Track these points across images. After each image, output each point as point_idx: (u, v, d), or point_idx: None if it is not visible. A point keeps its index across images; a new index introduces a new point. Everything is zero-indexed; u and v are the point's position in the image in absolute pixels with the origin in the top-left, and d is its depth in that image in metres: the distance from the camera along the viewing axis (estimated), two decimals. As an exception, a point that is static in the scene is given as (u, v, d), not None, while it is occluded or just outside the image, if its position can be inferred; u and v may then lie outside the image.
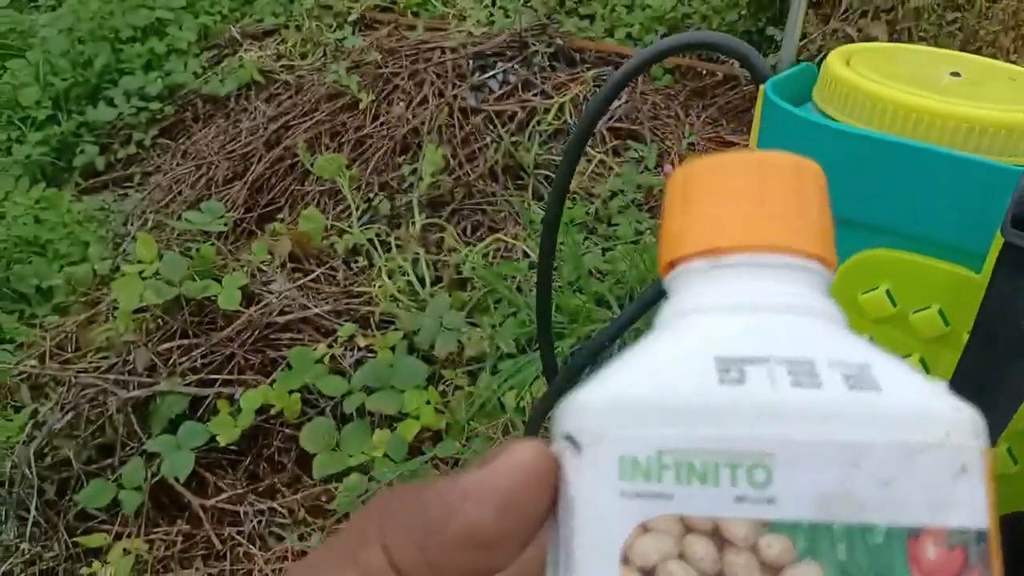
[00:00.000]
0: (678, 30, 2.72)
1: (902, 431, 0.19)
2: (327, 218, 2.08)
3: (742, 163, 0.23)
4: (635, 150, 2.24)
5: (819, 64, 0.58)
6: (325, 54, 2.69)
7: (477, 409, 1.53)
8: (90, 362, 1.84)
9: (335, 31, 2.75)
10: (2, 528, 1.60)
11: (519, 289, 1.79)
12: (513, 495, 0.20)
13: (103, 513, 1.60)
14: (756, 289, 0.22)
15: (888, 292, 0.49)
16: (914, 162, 0.46)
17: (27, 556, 1.55)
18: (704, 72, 2.56)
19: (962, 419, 0.20)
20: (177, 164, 2.53)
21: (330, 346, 1.73)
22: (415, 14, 2.82)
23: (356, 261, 2.00)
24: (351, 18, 2.80)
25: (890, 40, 2.33)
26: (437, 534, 0.20)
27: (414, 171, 2.18)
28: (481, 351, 1.66)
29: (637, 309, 0.75)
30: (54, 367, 1.86)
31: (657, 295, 0.73)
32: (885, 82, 0.50)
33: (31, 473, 1.62)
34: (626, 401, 0.20)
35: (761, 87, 0.54)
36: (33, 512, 1.59)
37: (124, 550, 1.48)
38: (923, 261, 0.48)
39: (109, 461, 1.65)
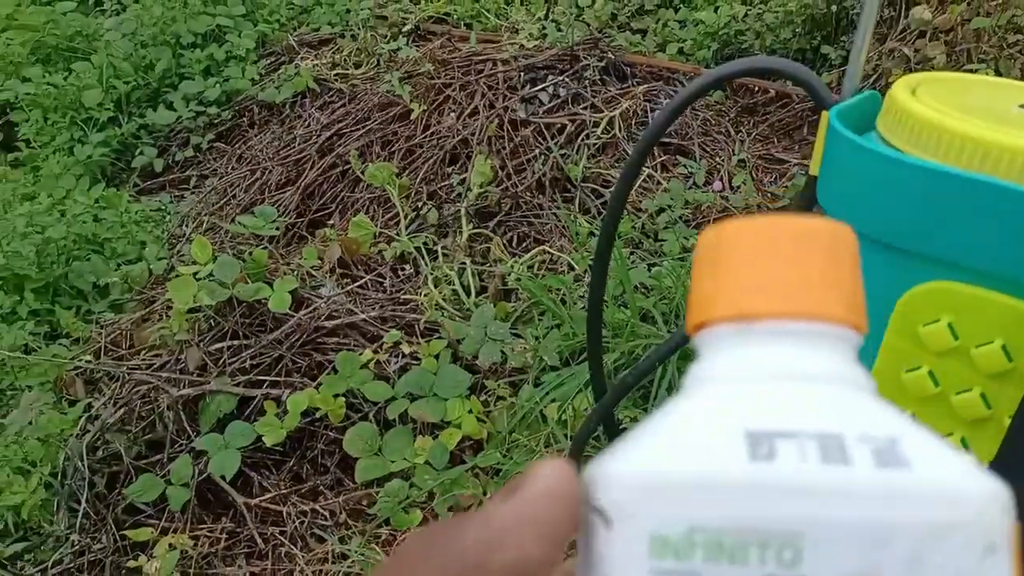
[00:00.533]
0: (730, 46, 2.70)
1: (931, 510, 0.19)
2: (376, 225, 2.10)
3: (774, 227, 0.23)
4: (684, 166, 2.23)
5: (876, 86, 0.58)
6: (379, 64, 2.73)
7: (519, 421, 1.54)
8: (143, 359, 1.89)
9: (389, 41, 2.79)
10: (54, 519, 1.64)
11: (563, 301, 1.79)
12: (551, 525, 0.21)
13: (150, 508, 1.64)
14: (786, 357, 0.22)
15: (950, 325, 0.49)
16: (980, 196, 0.46)
17: (76, 547, 1.59)
18: (756, 89, 2.54)
19: (991, 497, 0.20)
20: (232, 168, 2.58)
21: (375, 352, 1.75)
22: (468, 26, 2.85)
23: (403, 269, 2.02)
24: (405, 29, 2.84)
25: (948, 61, 2.29)
26: (480, 571, 0.20)
27: (463, 181, 2.20)
28: (524, 362, 1.67)
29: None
30: (109, 363, 1.91)
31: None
32: (952, 114, 0.50)
33: (83, 466, 1.67)
34: (657, 478, 0.20)
35: (825, 115, 0.54)
36: (84, 504, 1.64)
37: (170, 545, 1.52)
38: (987, 295, 0.47)
39: (158, 457, 1.69)
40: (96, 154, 2.68)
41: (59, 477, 1.68)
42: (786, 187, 2.19)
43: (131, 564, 1.51)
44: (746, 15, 2.70)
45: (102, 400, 1.82)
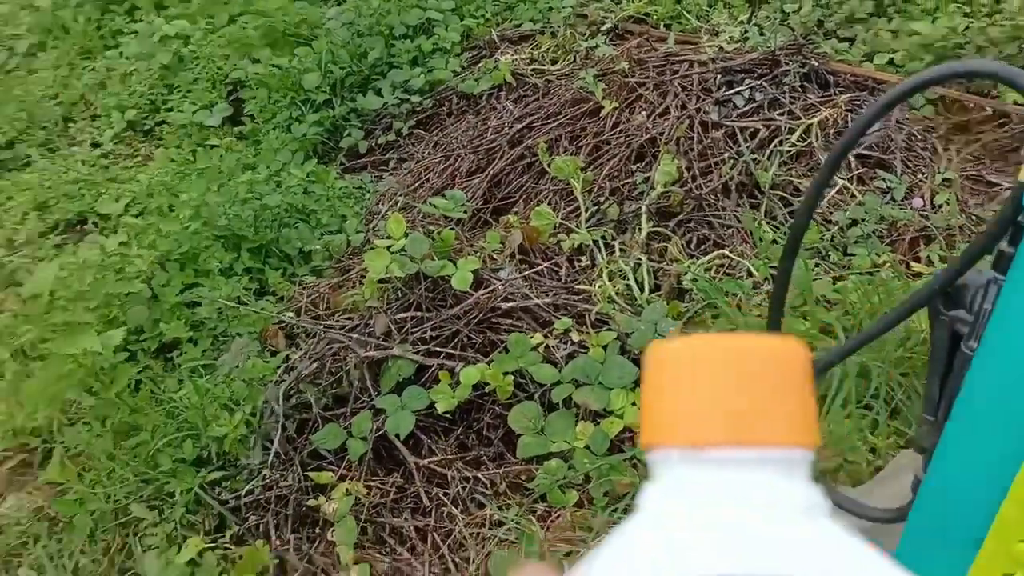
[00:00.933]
0: (946, 60, 2.55)
1: None
2: (557, 216, 2.17)
3: (722, 348, 0.23)
4: (883, 180, 2.13)
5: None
6: (575, 61, 2.80)
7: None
8: (337, 321, 2.06)
9: (588, 39, 2.85)
10: (250, 453, 1.83)
11: (739, 307, 1.78)
12: None
13: (332, 455, 1.79)
14: (736, 485, 0.22)
15: None
16: None
17: (266, 481, 1.76)
18: (971, 105, 2.38)
19: None
20: (428, 153, 2.74)
21: (546, 336, 1.81)
22: (667, 27, 2.86)
23: (579, 260, 2.07)
24: (604, 27, 2.88)
25: None
26: None
27: (646, 180, 2.22)
28: (693, 362, 1.67)
29: (872, 332, 0.75)
30: (307, 321, 2.09)
31: (894, 323, 0.72)
32: None
33: (278, 410, 1.84)
34: None
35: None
36: (276, 444, 1.81)
37: (346, 491, 1.65)
38: None
39: (343, 410, 1.84)
40: (310, 132, 2.93)
41: (257, 417, 1.86)
42: (994, 211, 2.04)
43: (311, 503, 1.66)
44: (967, 28, 2.53)
45: (299, 353, 2.00)
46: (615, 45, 2.81)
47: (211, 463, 1.82)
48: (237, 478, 1.80)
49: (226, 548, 1.63)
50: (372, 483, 1.72)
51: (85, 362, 1.99)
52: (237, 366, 1.99)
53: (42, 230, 2.76)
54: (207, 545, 1.59)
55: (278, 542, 1.64)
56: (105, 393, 1.96)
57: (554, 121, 2.54)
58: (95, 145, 3.24)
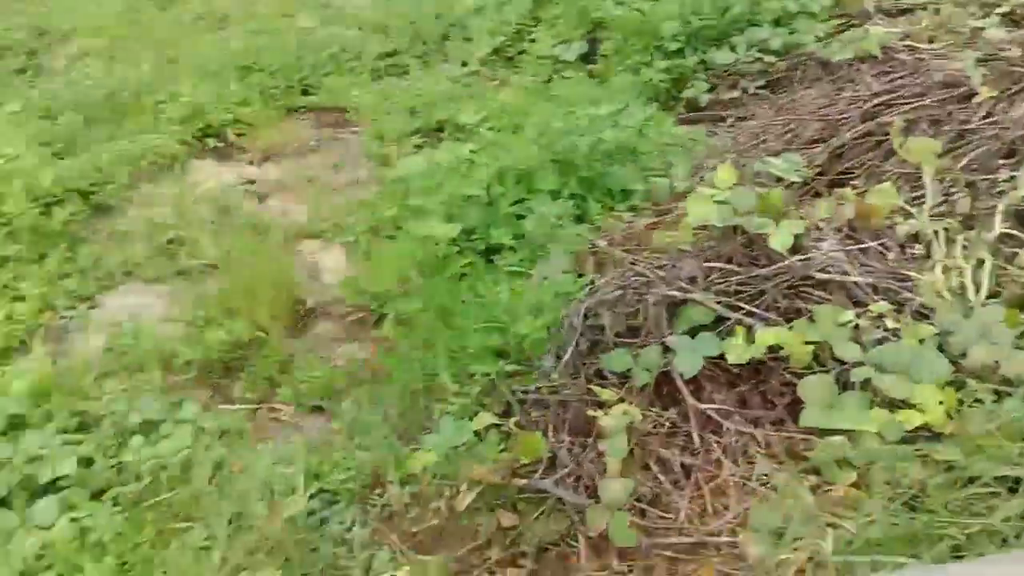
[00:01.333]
0: None
1: None
2: (899, 199, 2.03)
3: None
4: None
5: None
6: (955, 42, 2.56)
7: (995, 429, 1.42)
8: (646, 257, 2.14)
9: (977, 19, 2.59)
10: (545, 357, 1.98)
11: (1094, 332, 1.57)
12: None
13: (615, 377, 1.88)
14: None
15: None
16: None
17: (553, 384, 1.90)
18: None
19: None
20: (770, 115, 2.68)
21: (857, 316, 1.73)
22: (1080, 16, 2.51)
23: (913, 247, 1.94)
24: (1000, 10, 2.60)
25: None
26: None
27: (1011, 179, 2.00)
28: (1020, 376, 1.52)
29: None
30: (617, 252, 2.20)
31: None
32: None
33: (577, 324, 1.97)
34: None
35: None
36: (568, 355, 1.94)
37: (624, 412, 1.73)
38: None
39: (634, 340, 1.92)
40: (656, 79, 3.00)
41: (557, 327, 2.01)
42: None
43: (590, 413, 1.76)
44: None
45: (604, 279, 2.11)
46: (1009, 30, 2.52)
47: (509, 357, 2.01)
48: (529, 375, 1.97)
49: (508, 432, 1.80)
50: (648, 413, 1.79)
51: (425, 247, 2.27)
52: (548, 278, 2.15)
53: (408, 130, 3.14)
54: (494, 422, 1.77)
55: (554, 439, 1.78)
56: (435, 276, 2.23)
57: (916, 102, 2.36)
58: (463, 64, 3.59)
